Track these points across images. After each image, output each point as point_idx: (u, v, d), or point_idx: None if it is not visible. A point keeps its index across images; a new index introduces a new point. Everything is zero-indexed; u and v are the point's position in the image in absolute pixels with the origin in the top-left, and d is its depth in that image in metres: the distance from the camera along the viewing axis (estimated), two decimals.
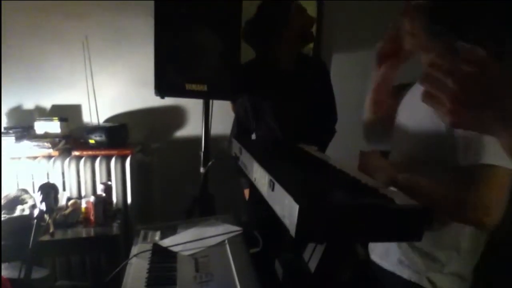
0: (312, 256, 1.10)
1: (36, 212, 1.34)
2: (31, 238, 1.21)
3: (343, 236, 0.78)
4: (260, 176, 0.99)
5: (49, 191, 1.37)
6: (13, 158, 2.58)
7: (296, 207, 0.70)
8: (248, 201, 2.05)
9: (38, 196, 1.34)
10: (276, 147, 1.54)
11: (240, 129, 2.29)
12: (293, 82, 2.14)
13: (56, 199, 1.40)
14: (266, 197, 0.92)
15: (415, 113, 1.28)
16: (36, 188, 2.51)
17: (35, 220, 1.28)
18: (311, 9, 2.95)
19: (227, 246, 1.48)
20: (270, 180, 0.88)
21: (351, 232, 0.77)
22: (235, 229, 1.61)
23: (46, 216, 1.31)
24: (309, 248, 1.14)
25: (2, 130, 2.75)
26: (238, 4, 2.13)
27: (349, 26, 2.98)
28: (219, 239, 1.55)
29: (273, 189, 0.86)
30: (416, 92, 1.38)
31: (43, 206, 1.32)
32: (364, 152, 1.34)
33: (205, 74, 2.15)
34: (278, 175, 0.87)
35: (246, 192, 2.19)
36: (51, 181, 1.84)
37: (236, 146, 1.39)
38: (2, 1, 2.71)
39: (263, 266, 1.34)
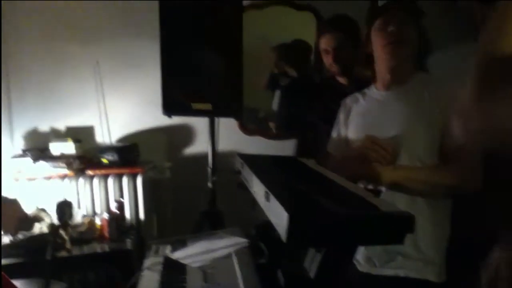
0: (312, 263, 1.17)
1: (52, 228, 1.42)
2: (49, 253, 1.29)
3: (331, 241, 0.84)
4: (258, 189, 1.06)
5: (64, 208, 1.46)
6: (30, 179, 2.69)
7: (285, 215, 0.77)
8: None
9: (54, 213, 1.42)
10: (276, 162, 1.62)
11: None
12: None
13: (71, 216, 1.48)
14: (263, 208, 1.00)
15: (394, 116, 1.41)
16: (53, 207, 2.62)
17: (52, 236, 1.37)
18: None
19: (234, 258, 1.55)
20: (266, 191, 0.95)
21: (338, 237, 0.83)
22: (241, 241, 1.68)
23: (62, 232, 1.40)
24: (309, 256, 1.21)
25: (20, 151, 2.87)
26: (239, 24, 2.23)
27: None
28: (226, 251, 1.61)
29: (268, 200, 0.94)
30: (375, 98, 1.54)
31: (59, 222, 1.40)
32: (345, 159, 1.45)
33: (209, 93, 2.24)
34: (272, 187, 0.95)
35: None
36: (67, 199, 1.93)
37: (238, 162, 1.47)
38: (16, 28, 2.85)
39: (268, 277, 1.40)
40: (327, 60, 2.13)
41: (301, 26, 3.06)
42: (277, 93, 3.02)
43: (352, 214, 0.82)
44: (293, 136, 2.86)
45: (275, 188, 0.94)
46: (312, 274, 1.15)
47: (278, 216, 0.83)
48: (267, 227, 1.73)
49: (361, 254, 1.54)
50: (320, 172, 1.27)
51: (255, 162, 1.36)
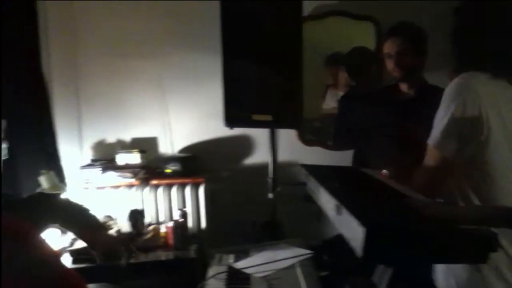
0: (382, 278, 1.14)
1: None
2: (124, 259, 1.35)
3: (408, 258, 0.82)
4: (326, 201, 1.06)
5: (137, 216, 1.52)
6: (99, 188, 2.83)
7: (361, 230, 0.76)
8: None
9: (127, 221, 1.48)
10: (341, 173, 1.60)
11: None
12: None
13: (143, 224, 1.54)
14: (333, 221, 0.99)
15: None
16: (120, 215, 2.74)
17: (127, 243, 1.43)
18: None
19: (298, 269, 1.55)
20: (337, 204, 0.95)
21: (416, 254, 0.81)
22: (305, 252, 1.67)
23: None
24: (378, 271, 1.18)
25: (89, 162, 3.04)
26: (300, 36, 2.25)
27: None
28: (290, 262, 1.61)
29: (340, 214, 0.93)
30: None
31: (133, 230, 1.46)
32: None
33: (270, 104, 2.27)
34: (343, 200, 0.94)
35: None
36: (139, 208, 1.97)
37: (303, 173, 1.47)
38: (86, 45, 3.04)
39: None
40: (390, 65, 2.11)
41: (359, 36, 3.02)
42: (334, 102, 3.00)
43: (432, 230, 0.80)
44: (350, 147, 2.82)
45: (346, 201, 0.93)
46: None
47: (352, 230, 0.82)
48: (335, 239, 1.72)
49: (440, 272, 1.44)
50: (389, 184, 1.24)
51: (320, 173, 1.35)
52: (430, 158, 1.33)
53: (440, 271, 1.41)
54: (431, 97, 2.17)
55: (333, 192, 1.02)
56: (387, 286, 1.10)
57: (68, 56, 3.03)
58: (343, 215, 0.90)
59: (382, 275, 1.15)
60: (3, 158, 2.19)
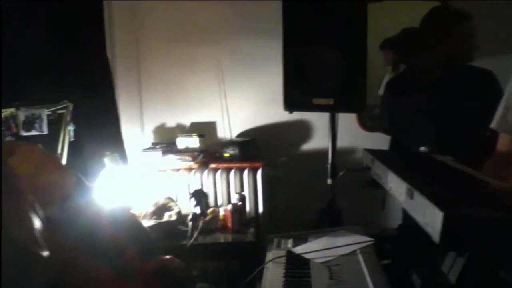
0: (452, 268, 1.08)
1: (190, 216, 1.51)
2: (188, 238, 1.38)
3: (485, 246, 0.76)
4: (396, 185, 1.01)
5: (201, 196, 1.54)
6: (160, 170, 2.92)
7: (439, 215, 0.71)
8: None
9: (190, 200, 1.49)
10: (408, 157, 1.53)
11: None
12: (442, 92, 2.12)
13: (207, 204, 1.56)
14: (404, 205, 0.94)
15: None
16: (180, 197, 2.82)
17: (191, 222, 1.45)
18: None
19: (360, 256, 1.50)
20: (409, 189, 0.90)
21: (495, 243, 0.75)
22: (367, 239, 1.62)
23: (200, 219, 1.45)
24: (448, 260, 1.12)
25: (150, 145, 3.14)
26: (364, 18, 2.16)
27: None
28: (350, 248, 1.57)
29: (412, 198, 0.88)
30: None
31: (197, 210, 1.48)
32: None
33: (331, 88, 2.21)
34: (416, 184, 0.89)
35: None
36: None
37: (367, 157, 1.42)
38: (146, 31, 3.11)
39: (397, 278, 1.33)
40: (463, 46, 2.04)
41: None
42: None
43: None
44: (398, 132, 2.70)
45: (419, 185, 0.88)
46: (452, 279, 1.06)
47: (427, 215, 0.78)
48: (399, 228, 1.66)
49: None
50: (463, 170, 1.16)
51: (386, 158, 1.29)
52: (499, 142, 1.26)
53: None
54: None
55: (405, 176, 0.97)
56: (459, 277, 1.03)
57: (130, 43, 3.14)
58: (416, 200, 0.86)
59: (452, 264, 1.09)
60: (70, 140, 2.31)
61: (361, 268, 1.41)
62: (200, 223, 1.84)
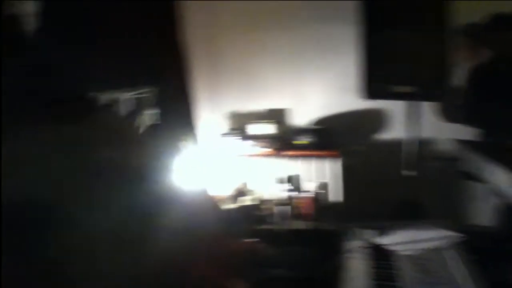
0: None
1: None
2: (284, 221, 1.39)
3: None
4: (501, 178, 0.97)
5: (295, 181, 1.54)
6: (239, 156, 2.98)
7: None
8: None
9: (287, 186, 1.47)
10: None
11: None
12: None
13: (299, 189, 1.54)
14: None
15: None
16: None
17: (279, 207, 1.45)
18: None
19: (446, 251, 1.46)
20: None
21: None
22: (453, 234, 1.57)
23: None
24: None
25: (228, 130, 3.19)
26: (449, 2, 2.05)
27: None
28: (436, 243, 1.53)
29: None
30: None
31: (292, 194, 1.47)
32: None
33: (413, 75, 2.13)
34: None
35: None
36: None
37: (458, 149, 1.37)
38: (221, 18, 3.17)
39: (486, 276, 1.27)
40: None
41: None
42: None
43: None
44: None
45: None
46: None
47: None
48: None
49: None
50: None
51: (483, 149, 1.23)
52: None
53: None
54: None
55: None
56: None
57: (206, 30, 3.18)
58: None
59: None
60: (153, 122, 2.43)
61: (448, 263, 1.38)
62: (289, 209, 1.86)
